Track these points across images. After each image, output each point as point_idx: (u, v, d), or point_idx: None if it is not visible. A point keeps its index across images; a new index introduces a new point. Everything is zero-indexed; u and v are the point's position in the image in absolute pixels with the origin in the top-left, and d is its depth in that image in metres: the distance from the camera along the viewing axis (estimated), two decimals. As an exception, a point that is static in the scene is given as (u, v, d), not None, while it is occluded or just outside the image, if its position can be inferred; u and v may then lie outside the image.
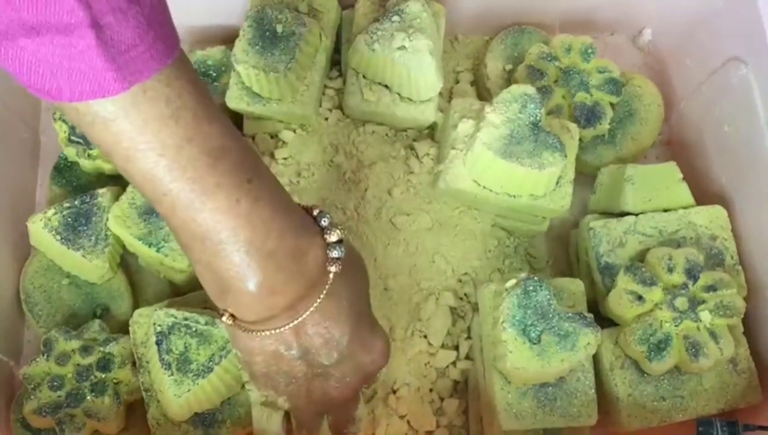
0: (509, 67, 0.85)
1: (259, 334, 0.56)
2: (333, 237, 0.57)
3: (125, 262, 0.78)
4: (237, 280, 0.53)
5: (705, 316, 0.69)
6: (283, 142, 0.81)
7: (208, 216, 0.51)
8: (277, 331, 0.56)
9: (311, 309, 0.56)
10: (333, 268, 0.56)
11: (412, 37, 0.74)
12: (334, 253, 0.57)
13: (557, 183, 0.73)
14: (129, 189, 0.74)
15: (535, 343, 0.66)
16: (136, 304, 0.77)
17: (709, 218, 0.75)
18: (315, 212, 0.58)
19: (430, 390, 0.75)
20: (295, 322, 0.56)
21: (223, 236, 0.51)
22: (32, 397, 0.69)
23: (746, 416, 0.71)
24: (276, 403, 0.63)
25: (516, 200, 0.73)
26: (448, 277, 0.78)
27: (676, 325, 0.69)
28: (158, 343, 0.66)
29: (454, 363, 0.75)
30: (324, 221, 0.57)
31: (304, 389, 0.62)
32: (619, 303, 0.70)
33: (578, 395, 0.68)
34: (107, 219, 0.74)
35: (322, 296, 0.56)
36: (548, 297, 0.67)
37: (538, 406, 0.68)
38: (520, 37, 0.87)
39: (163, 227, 0.72)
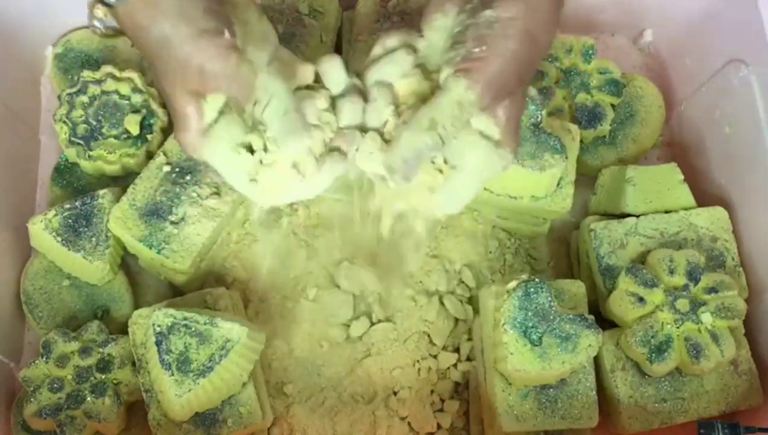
0: (510, 68, 0.85)
1: None
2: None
3: (126, 264, 0.78)
4: None
5: (706, 317, 0.69)
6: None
7: None
8: None
9: None
10: None
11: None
12: None
13: (558, 184, 0.73)
14: (129, 190, 0.73)
15: (536, 345, 0.66)
16: (136, 306, 0.76)
17: (710, 220, 0.75)
18: None
19: (431, 392, 0.75)
20: None
21: None
22: (32, 399, 0.69)
23: (748, 418, 0.71)
24: None
25: (517, 202, 0.73)
26: (450, 278, 0.77)
27: (677, 327, 0.69)
28: (158, 344, 0.66)
29: (455, 365, 0.75)
30: None
31: None
32: (620, 304, 0.70)
33: (579, 397, 0.68)
34: (108, 220, 0.73)
35: None
36: (549, 299, 0.67)
37: (539, 407, 0.68)
38: (520, 38, 0.86)
39: (163, 229, 0.72)
